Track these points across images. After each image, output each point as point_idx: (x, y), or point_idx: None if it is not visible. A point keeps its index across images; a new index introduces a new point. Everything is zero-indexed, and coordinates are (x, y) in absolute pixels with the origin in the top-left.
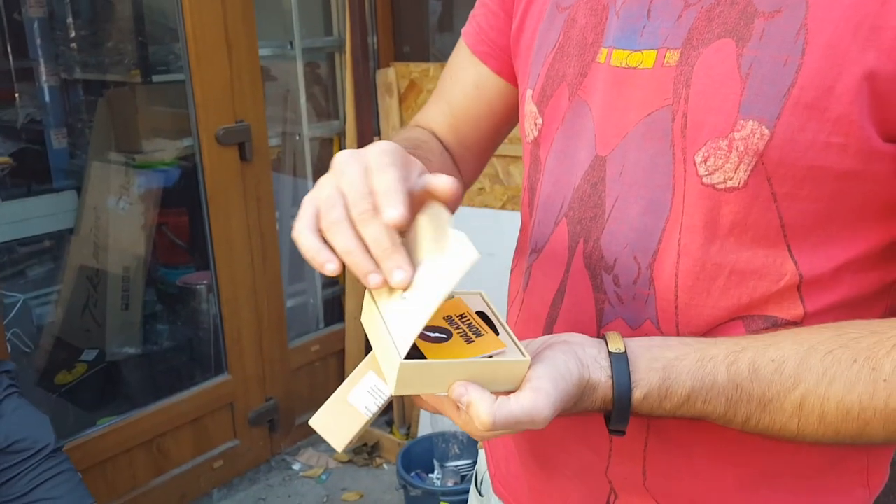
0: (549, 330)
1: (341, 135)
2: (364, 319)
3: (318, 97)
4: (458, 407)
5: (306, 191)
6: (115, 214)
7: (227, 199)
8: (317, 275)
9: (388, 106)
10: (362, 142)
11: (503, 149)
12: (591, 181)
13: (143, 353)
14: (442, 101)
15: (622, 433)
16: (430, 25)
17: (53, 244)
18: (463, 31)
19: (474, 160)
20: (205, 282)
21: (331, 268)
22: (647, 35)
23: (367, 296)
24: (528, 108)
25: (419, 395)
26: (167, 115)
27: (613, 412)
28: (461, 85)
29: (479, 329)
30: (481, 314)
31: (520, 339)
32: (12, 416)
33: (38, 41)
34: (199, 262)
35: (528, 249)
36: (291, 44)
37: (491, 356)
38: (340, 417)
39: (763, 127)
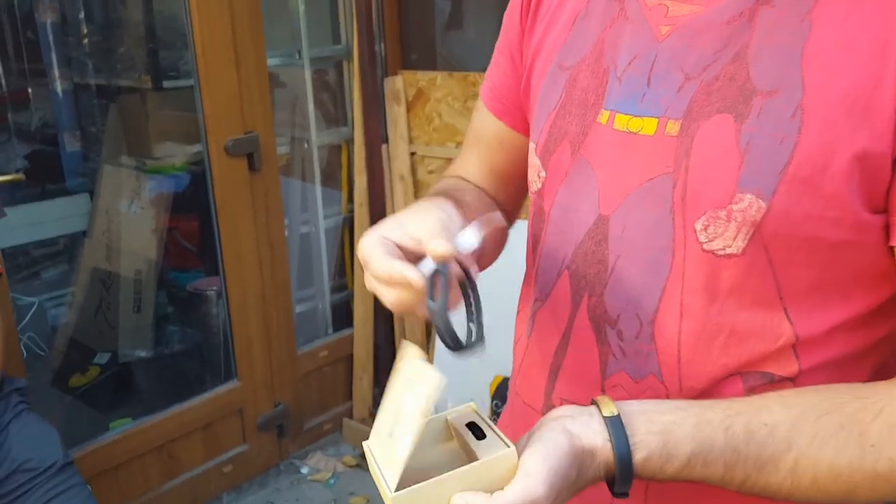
0: (552, 378)
1: (349, 141)
2: (373, 475)
3: (327, 104)
4: None
5: (315, 196)
6: (126, 218)
7: (235, 209)
8: (325, 280)
9: (396, 114)
10: (370, 149)
11: None
12: (596, 239)
13: (155, 356)
14: (471, 153)
15: (626, 495)
16: (438, 34)
17: (67, 246)
18: (481, 88)
19: (511, 201)
20: (214, 287)
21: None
22: (648, 102)
23: (366, 452)
24: (533, 161)
25: None
26: (177, 121)
27: (616, 476)
28: (485, 139)
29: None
30: (471, 425)
31: (524, 387)
32: (20, 435)
33: (52, 45)
34: (208, 267)
35: (533, 296)
36: (299, 53)
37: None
38: None
39: (760, 200)
